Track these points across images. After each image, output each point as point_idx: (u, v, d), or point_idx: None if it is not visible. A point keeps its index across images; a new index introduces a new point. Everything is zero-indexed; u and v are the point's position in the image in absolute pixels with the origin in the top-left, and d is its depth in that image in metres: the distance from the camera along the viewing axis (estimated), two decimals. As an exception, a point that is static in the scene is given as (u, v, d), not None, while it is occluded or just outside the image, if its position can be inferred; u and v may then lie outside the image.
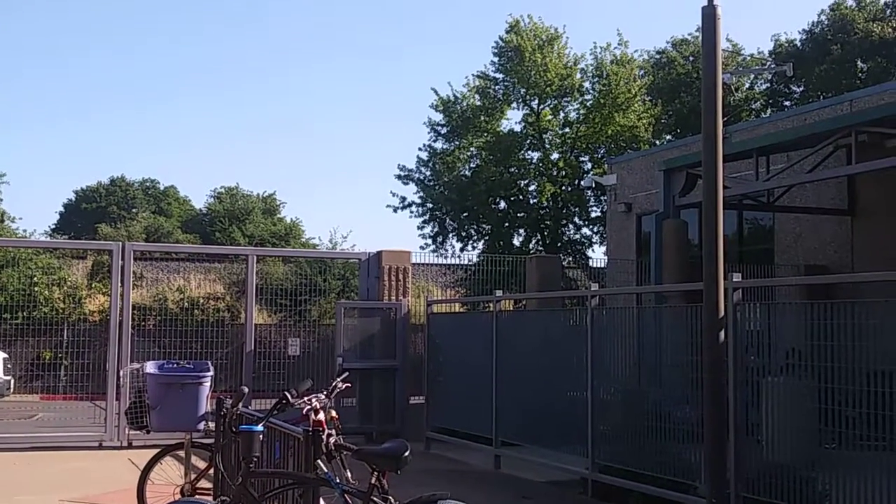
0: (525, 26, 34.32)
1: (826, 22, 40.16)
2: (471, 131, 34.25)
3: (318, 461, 5.90)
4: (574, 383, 11.21)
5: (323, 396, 7.53)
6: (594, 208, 35.06)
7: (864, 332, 7.47)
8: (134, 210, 64.12)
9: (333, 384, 7.77)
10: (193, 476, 8.36)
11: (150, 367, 8.52)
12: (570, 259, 34.53)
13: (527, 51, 33.33)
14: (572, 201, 34.83)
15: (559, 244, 34.61)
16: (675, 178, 15.80)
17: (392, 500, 5.56)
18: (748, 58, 41.69)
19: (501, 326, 12.86)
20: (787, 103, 40.16)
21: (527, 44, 33.47)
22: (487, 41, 67.12)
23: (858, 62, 38.49)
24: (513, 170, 34.03)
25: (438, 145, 35.35)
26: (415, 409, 15.37)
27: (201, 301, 25.22)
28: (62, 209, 67.56)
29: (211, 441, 8.07)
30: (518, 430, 12.43)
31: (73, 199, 67.52)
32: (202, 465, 8.60)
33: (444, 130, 35.04)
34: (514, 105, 34.93)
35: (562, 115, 35.27)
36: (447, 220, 35.17)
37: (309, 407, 7.26)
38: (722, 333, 8.06)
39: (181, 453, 8.53)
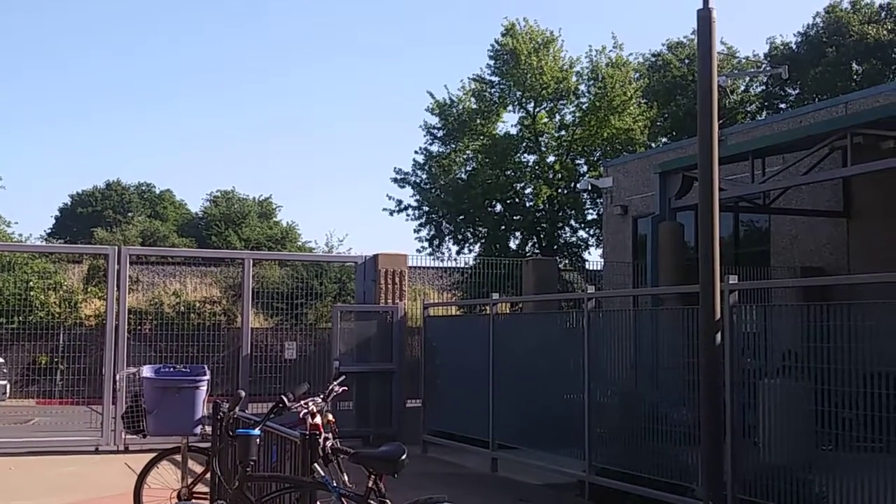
0: (521, 29, 34.35)
1: (821, 24, 40.25)
2: (467, 134, 34.25)
3: (315, 465, 5.89)
4: (571, 386, 11.21)
5: (319, 400, 7.52)
6: (590, 211, 35.09)
7: (861, 334, 7.48)
8: (130, 214, 64.01)
9: (330, 388, 7.77)
10: (190, 480, 8.35)
11: (147, 371, 8.52)
12: (567, 262, 34.53)
13: (522, 54, 33.35)
14: (568, 204, 34.84)
15: (555, 247, 34.61)
16: (670, 180, 15.81)
17: (389, 504, 5.55)
18: (743, 60, 41.78)
19: (498, 329, 12.86)
20: (782, 105, 40.23)
21: (522, 47, 33.49)
22: (483, 44, 67.18)
23: (853, 64, 38.57)
24: (509, 173, 34.02)
25: (434, 148, 35.36)
26: (411, 412, 15.37)
27: (197, 305, 25.18)
28: (58, 213, 67.52)
29: (207, 445, 8.05)
30: (515, 432, 12.43)
31: (69, 203, 67.44)
32: (199, 469, 8.59)
33: (440, 133, 35.04)
34: (510, 108, 34.95)
35: (557, 117, 35.30)
36: (443, 223, 35.14)
37: (306, 410, 7.26)
38: (718, 335, 8.07)
39: (178, 457, 8.53)
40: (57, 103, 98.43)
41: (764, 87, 41.86)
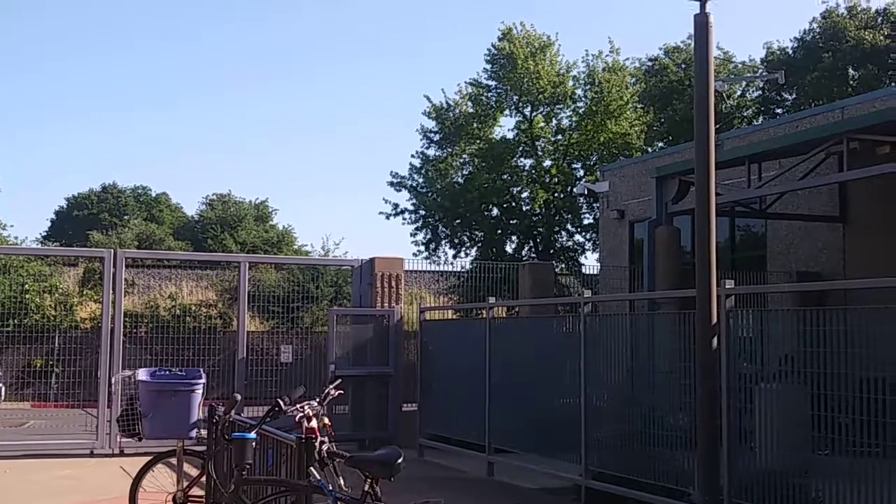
0: (518, 34, 34.40)
1: (818, 30, 40.33)
2: (463, 138, 34.28)
3: (311, 468, 5.88)
4: (567, 390, 11.20)
5: (315, 403, 7.49)
6: (587, 215, 35.12)
7: (857, 339, 7.48)
8: (125, 217, 63.96)
9: (326, 391, 7.74)
10: (186, 484, 8.33)
11: (142, 374, 8.51)
12: (563, 266, 34.54)
13: (519, 58, 33.39)
14: (565, 208, 34.86)
15: (552, 251, 34.63)
16: (667, 185, 15.83)
17: (385, 508, 5.54)
18: (739, 65, 41.85)
19: (494, 333, 12.86)
20: (778, 111, 40.30)
21: (519, 51, 33.53)
22: (480, 49, 67.30)
23: (850, 70, 38.64)
24: (505, 177, 34.05)
25: (431, 152, 35.39)
26: (408, 415, 15.35)
27: (193, 308, 25.13)
28: (53, 216, 67.46)
29: (203, 448, 8.05)
30: (511, 436, 12.41)
31: (65, 206, 67.36)
32: (194, 472, 8.57)
33: (436, 137, 35.07)
34: (507, 112, 35.00)
35: (554, 122, 35.35)
36: (440, 227, 35.16)
37: (301, 414, 7.22)
38: (715, 340, 8.08)
39: (173, 461, 8.51)
40: (53, 106, 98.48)
41: (760, 92, 41.93)
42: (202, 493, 8.11)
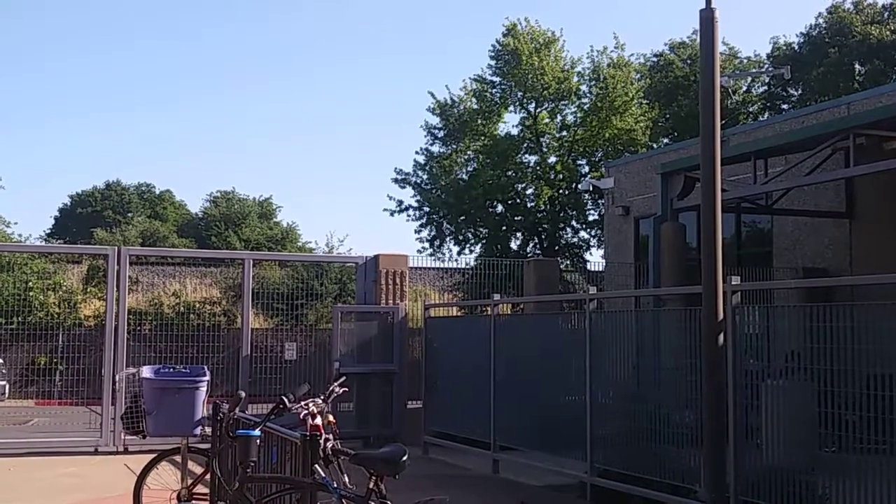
0: (522, 29, 34.34)
1: (824, 25, 40.25)
2: (468, 135, 34.24)
3: (316, 466, 5.86)
4: (572, 387, 11.18)
5: (320, 401, 7.47)
6: (592, 212, 35.07)
7: (864, 335, 7.45)
8: (129, 214, 64.04)
9: (330, 388, 7.72)
10: (190, 481, 8.32)
11: (146, 371, 8.49)
12: (568, 262, 34.51)
13: (524, 54, 33.33)
14: (570, 205, 34.82)
15: (557, 248, 34.59)
16: (672, 181, 15.79)
17: (390, 505, 5.52)
18: (745, 61, 41.77)
19: (499, 330, 12.83)
20: (784, 106, 40.23)
21: (524, 47, 33.48)
22: (484, 45, 67.21)
23: (856, 65, 38.57)
24: (510, 173, 34.01)
25: (435, 149, 35.36)
26: (412, 413, 15.33)
27: (197, 305, 25.19)
28: (57, 214, 67.54)
29: (207, 446, 8.02)
30: (516, 434, 12.40)
31: (69, 203, 67.46)
32: (199, 470, 8.56)
33: (441, 134, 35.04)
34: (512, 108, 34.95)
35: (559, 118, 35.29)
36: (444, 224, 35.14)
37: (306, 411, 7.21)
38: (721, 336, 8.04)
39: (177, 458, 8.50)
40: (56, 104, 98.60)
41: (766, 87, 41.85)
42: (206, 490, 8.09)
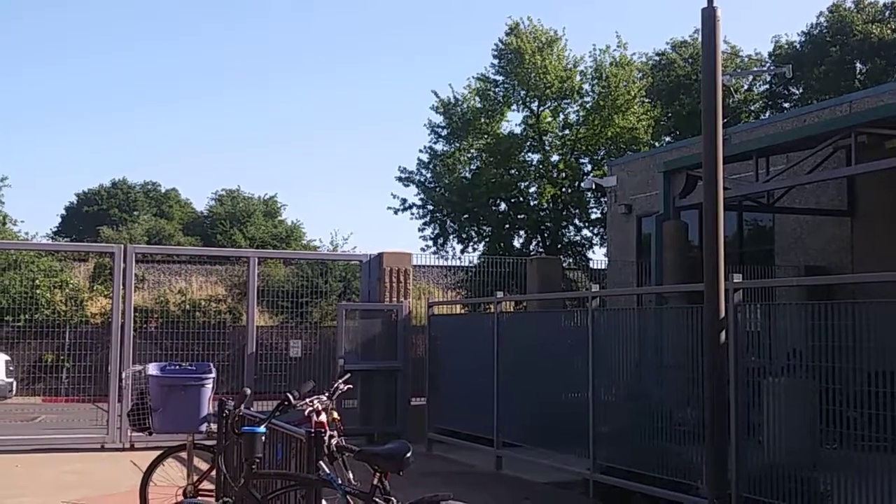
0: (525, 28, 34.36)
1: (825, 24, 40.22)
2: (471, 133, 34.27)
3: (321, 462, 5.90)
4: (575, 384, 11.22)
5: (325, 398, 7.52)
6: (594, 210, 35.11)
7: (865, 333, 7.49)
8: (135, 213, 64.12)
9: (335, 385, 7.77)
10: (196, 478, 8.37)
11: (152, 369, 8.54)
12: (571, 261, 34.54)
13: (526, 53, 33.35)
14: (572, 203, 34.85)
15: (559, 246, 34.62)
16: (675, 179, 15.83)
17: (394, 501, 5.56)
18: (746, 59, 41.75)
19: (502, 328, 12.88)
20: (786, 105, 40.22)
21: (526, 46, 33.50)
22: (487, 44, 67.18)
23: (857, 64, 38.55)
24: (513, 172, 34.05)
25: (439, 147, 35.41)
26: (416, 410, 15.38)
27: (203, 303, 25.25)
28: (64, 212, 67.60)
29: (213, 443, 8.08)
30: (519, 430, 12.44)
31: (75, 201, 67.53)
32: (204, 466, 8.62)
33: (444, 132, 35.07)
34: (514, 107, 34.97)
35: (561, 117, 35.31)
36: (448, 222, 35.19)
37: (311, 408, 7.26)
38: (723, 334, 8.07)
39: (183, 455, 8.54)
40: (63, 103, 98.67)
41: (768, 86, 41.83)
42: (212, 486, 8.15)
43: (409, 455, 5.41)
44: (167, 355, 14.39)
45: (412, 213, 35.43)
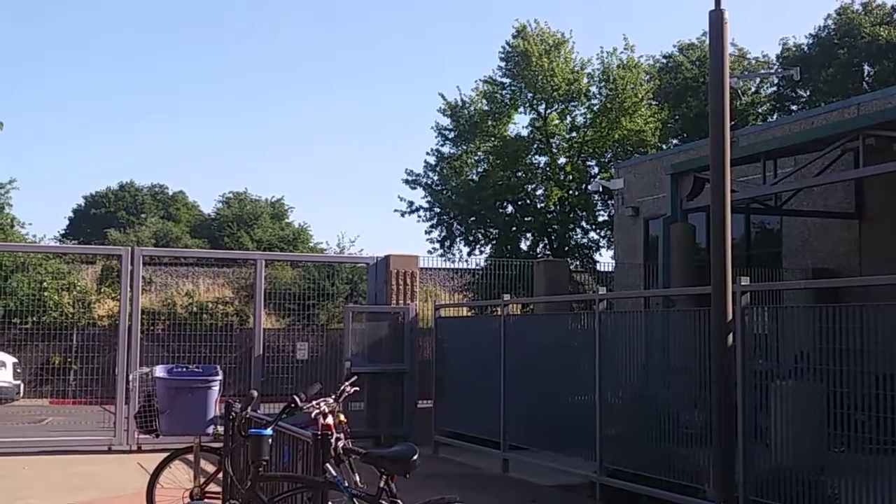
0: (532, 31, 34.34)
1: (833, 26, 40.16)
2: (478, 136, 34.25)
3: (327, 465, 5.91)
4: (582, 387, 11.21)
5: (331, 400, 7.54)
6: (601, 212, 35.06)
7: (873, 336, 7.47)
8: (143, 215, 64.29)
9: (342, 388, 7.79)
10: (203, 480, 8.37)
11: (160, 371, 8.57)
12: (578, 263, 34.49)
13: (534, 55, 33.33)
14: (580, 205, 34.82)
15: (566, 248, 34.59)
16: (682, 181, 15.80)
17: (401, 504, 5.57)
18: (754, 62, 41.70)
19: (509, 330, 12.87)
20: (794, 107, 40.15)
21: (534, 49, 33.48)
22: (495, 46, 67.20)
23: (865, 66, 38.46)
24: (520, 174, 34.03)
25: (446, 150, 35.38)
26: (423, 412, 15.38)
27: (210, 305, 25.27)
28: (71, 214, 67.80)
29: (220, 445, 8.08)
30: (526, 433, 12.43)
31: (83, 204, 67.72)
32: (211, 468, 8.63)
33: (451, 135, 35.05)
34: (522, 110, 34.94)
35: (569, 119, 35.27)
36: (455, 225, 35.17)
37: (317, 411, 7.28)
38: (730, 337, 8.07)
39: (190, 457, 8.56)
40: (71, 106, 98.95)
41: (775, 88, 41.77)
42: (219, 489, 8.14)
43: (415, 458, 5.42)
44: (174, 357, 14.39)
45: (419, 216, 35.45)
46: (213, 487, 8.35)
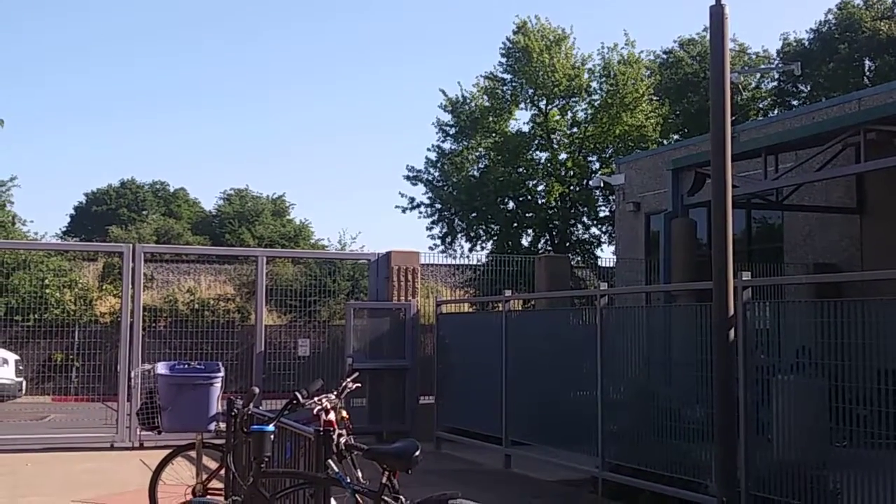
0: (532, 27, 34.34)
1: (833, 21, 40.13)
2: (479, 132, 34.26)
3: (329, 461, 5.91)
4: (584, 382, 11.22)
5: (333, 396, 7.54)
6: (602, 208, 35.08)
7: (874, 331, 7.46)
8: (144, 212, 64.29)
9: (344, 384, 7.78)
10: (205, 476, 8.38)
11: (161, 368, 8.56)
12: (579, 259, 34.51)
13: (534, 51, 33.34)
14: (581, 201, 34.82)
15: (568, 244, 34.60)
16: (683, 177, 15.80)
17: (403, 500, 5.57)
18: (755, 57, 41.67)
19: (511, 326, 12.88)
20: (794, 102, 40.13)
21: (534, 44, 33.48)
22: (495, 42, 67.12)
23: (866, 61, 38.43)
24: (521, 170, 34.03)
25: (447, 146, 35.42)
26: (425, 408, 15.39)
27: (211, 302, 25.30)
28: (73, 212, 67.83)
29: (222, 441, 8.09)
30: (528, 429, 12.44)
31: (84, 201, 67.75)
32: (213, 465, 8.63)
33: (452, 131, 35.07)
34: (522, 105, 34.96)
35: (570, 115, 35.27)
36: (456, 221, 35.19)
37: (319, 407, 7.27)
38: (731, 332, 8.06)
39: (192, 454, 8.56)
40: (72, 104, 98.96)
41: (776, 83, 41.74)
42: (221, 485, 8.16)
43: (417, 453, 5.42)
44: (176, 354, 14.40)
45: (420, 212, 35.48)
46: (215, 484, 8.35)
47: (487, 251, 34.23)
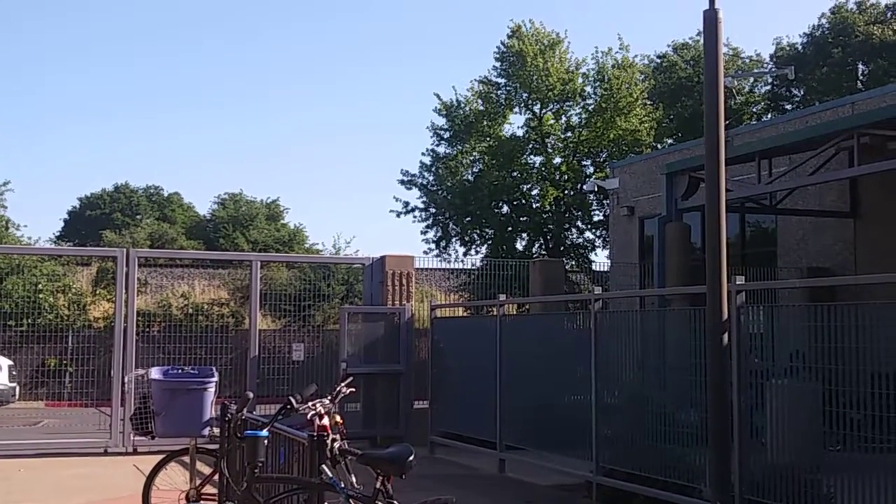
0: (527, 31, 34.37)
1: (827, 25, 40.24)
2: (473, 136, 34.28)
3: (323, 466, 5.91)
4: (578, 387, 11.22)
5: (327, 401, 7.52)
6: (597, 212, 35.10)
7: (868, 334, 7.48)
8: (138, 217, 64.19)
9: (338, 389, 7.77)
10: (198, 482, 8.37)
11: (155, 373, 8.56)
12: (573, 263, 34.53)
13: (529, 55, 33.37)
14: (575, 205, 34.85)
15: (562, 248, 34.62)
16: (677, 181, 15.83)
17: (397, 505, 5.57)
18: (748, 61, 41.75)
19: (505, 331, 12.88)
20: (788, 106, 40.22)
21: (529, 49, 33.52)
22: (490, 46, 67.18)
23: (859, 65, 38.55)
24: (515, 174, 34.05)
25: (441, 150, 35.42)
26: (419, 413, 15.38)
27: (205, 307, 25.23)
28: (66, 216, 67.72)
29: (216, 446, 8.08)
30: (522, 433, 12.44)
31: (78, 206, 67.62)
32: (207, 470, 8.62)
33: (447, 135, 35.08)
34: (517, 110, 34.98)
35: (564, 119, 35.32)
36: (450, 225, 35.19)
37: (313, 412, 7.26)
38: (725, 336, 8.07)
39: (186, 459, 8.56)
40: (66, 107, 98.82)
41: (770, 87, 41.83)
42: (215, 490, 8.15)
43: (411, 458, 5.42)
44: (170, 359, 14.38)
45: (414, 216, 35.48)
46: (209, 489, 8.34)
47: (482, 255, 34.25)
